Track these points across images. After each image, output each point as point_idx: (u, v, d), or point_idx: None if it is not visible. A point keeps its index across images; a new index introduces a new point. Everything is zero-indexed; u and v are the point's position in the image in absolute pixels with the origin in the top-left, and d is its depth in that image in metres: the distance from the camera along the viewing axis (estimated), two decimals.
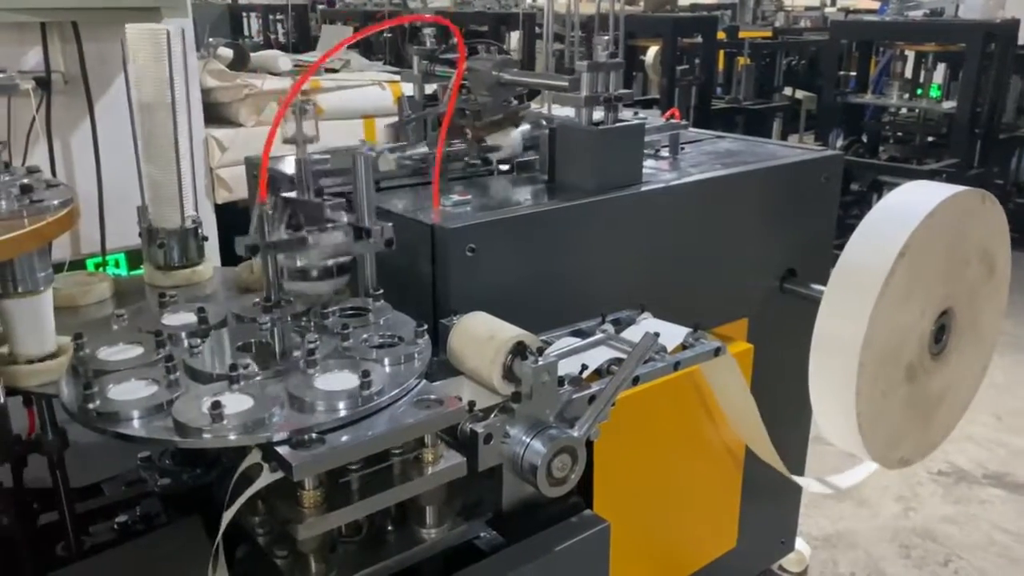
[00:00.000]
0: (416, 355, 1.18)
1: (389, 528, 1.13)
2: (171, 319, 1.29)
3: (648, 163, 1.89)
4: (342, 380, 1.09)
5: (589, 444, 1.48)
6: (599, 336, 1.38)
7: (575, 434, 1.15)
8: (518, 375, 1.16)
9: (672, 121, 2.00)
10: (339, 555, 1.08)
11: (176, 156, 1.57)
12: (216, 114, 2.90)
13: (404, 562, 1.09)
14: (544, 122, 1.81)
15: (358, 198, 1.32)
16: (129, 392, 1.05)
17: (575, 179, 1.67)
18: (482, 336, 1.21)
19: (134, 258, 2.57)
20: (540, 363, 1.14)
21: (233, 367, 1.07)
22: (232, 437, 0.99)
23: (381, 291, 1.37)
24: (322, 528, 0.99)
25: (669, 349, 1.38)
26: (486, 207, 1.54)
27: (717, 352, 1.40)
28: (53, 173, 2.47)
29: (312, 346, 1.12)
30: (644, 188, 1.67)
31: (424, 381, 1.14)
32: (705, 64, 5.83)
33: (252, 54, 2.96)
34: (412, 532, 1.12)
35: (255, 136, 2.84)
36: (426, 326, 1.23)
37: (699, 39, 5.99)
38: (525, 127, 1.84)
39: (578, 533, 1.20)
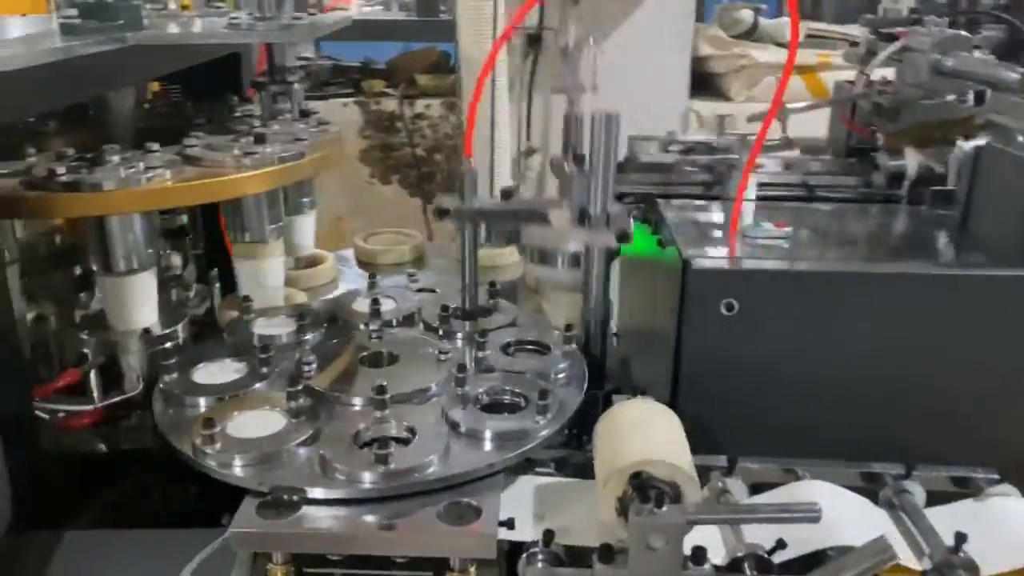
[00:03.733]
0: (529, 431, 0.85)
1: None
2: (359, 305, 1.15)
3: None
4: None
5: None
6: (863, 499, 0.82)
7: None
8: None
9: None
10: None
11: (492, 126, 1.41)
12: (709, 85, 2.64)
13: None
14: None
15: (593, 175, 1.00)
16: (207, 377, 0.95)
17: (991, 229, 1.04)
18: (623, 440, 0.81)
19: None
20: (655, 513, 0.71)
21: (294, 380, 0.89)
22: (238, 472, 0.81)
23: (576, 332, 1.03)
24: None
25: (991, 567, 0.76)
26: (804, 248, 1.05)
27: None
28: (528, 126, 2.53)
29: (385, 383, 0.86)
30: None
31: (500, 475, 0.81)
32: None
33: (764, 21, 2.59)
34: None
35: (742, 112, 2.49)
36: (551, 397, 0.87)
37: None
38: (977, 143, 1.20)
39: None
